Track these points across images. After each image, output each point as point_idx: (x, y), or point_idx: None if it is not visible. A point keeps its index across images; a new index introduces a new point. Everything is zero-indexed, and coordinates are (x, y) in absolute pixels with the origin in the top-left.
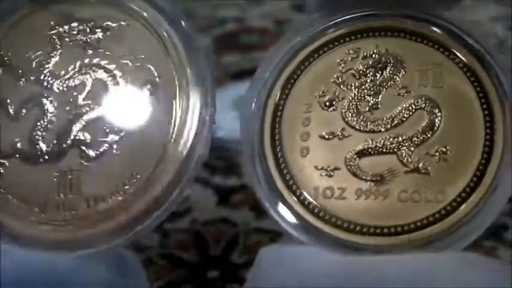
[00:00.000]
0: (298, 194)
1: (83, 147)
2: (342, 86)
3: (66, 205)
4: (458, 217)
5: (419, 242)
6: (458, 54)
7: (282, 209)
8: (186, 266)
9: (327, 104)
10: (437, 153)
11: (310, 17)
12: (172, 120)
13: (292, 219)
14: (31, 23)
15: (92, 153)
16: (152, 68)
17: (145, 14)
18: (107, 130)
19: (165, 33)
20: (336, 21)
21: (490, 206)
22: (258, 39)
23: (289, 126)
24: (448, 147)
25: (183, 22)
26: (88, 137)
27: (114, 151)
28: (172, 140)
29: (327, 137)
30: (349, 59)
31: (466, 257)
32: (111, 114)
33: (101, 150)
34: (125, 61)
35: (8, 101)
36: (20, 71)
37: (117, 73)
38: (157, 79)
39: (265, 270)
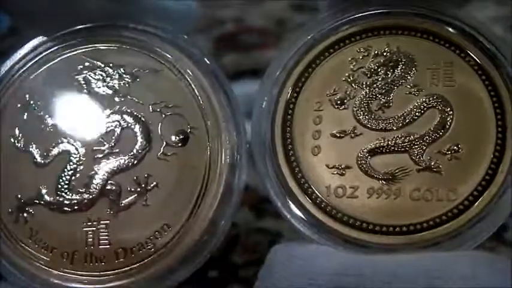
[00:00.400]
0: (309, 192)
1: (112, 197)
2: (353, 85)
3: (94, 256)
4: (470, 216)
5: (432, 241)
6: (469, 53)
7: (292, 207)
8: None
9: (338, 102)
10: (449, 152)
11: (320, 16)
12: (205, 169)
13: (303, 217)
14: (58, 66)
15: (121, 203)
16: (183, 117)
17: (172, 59)
18: (137, 179)
19: (192, 77)
20: (347, 19)
21: (502, 204)
22: (258, 39)
23: (301, 125)
24: (460, 146)
25: (207, 60)
26: (117, 186)
27: (144, 202)
28: (205, 189)
29: (338, 135)
30: (360, 57)
31: (475, 256)
32: (141, 163)
33: (130, 200)
34: (156, 109)
35: (34, 146)
36: (47, 116)
37: (147, 121)
38: (189, 128)
39: (276, 268)
